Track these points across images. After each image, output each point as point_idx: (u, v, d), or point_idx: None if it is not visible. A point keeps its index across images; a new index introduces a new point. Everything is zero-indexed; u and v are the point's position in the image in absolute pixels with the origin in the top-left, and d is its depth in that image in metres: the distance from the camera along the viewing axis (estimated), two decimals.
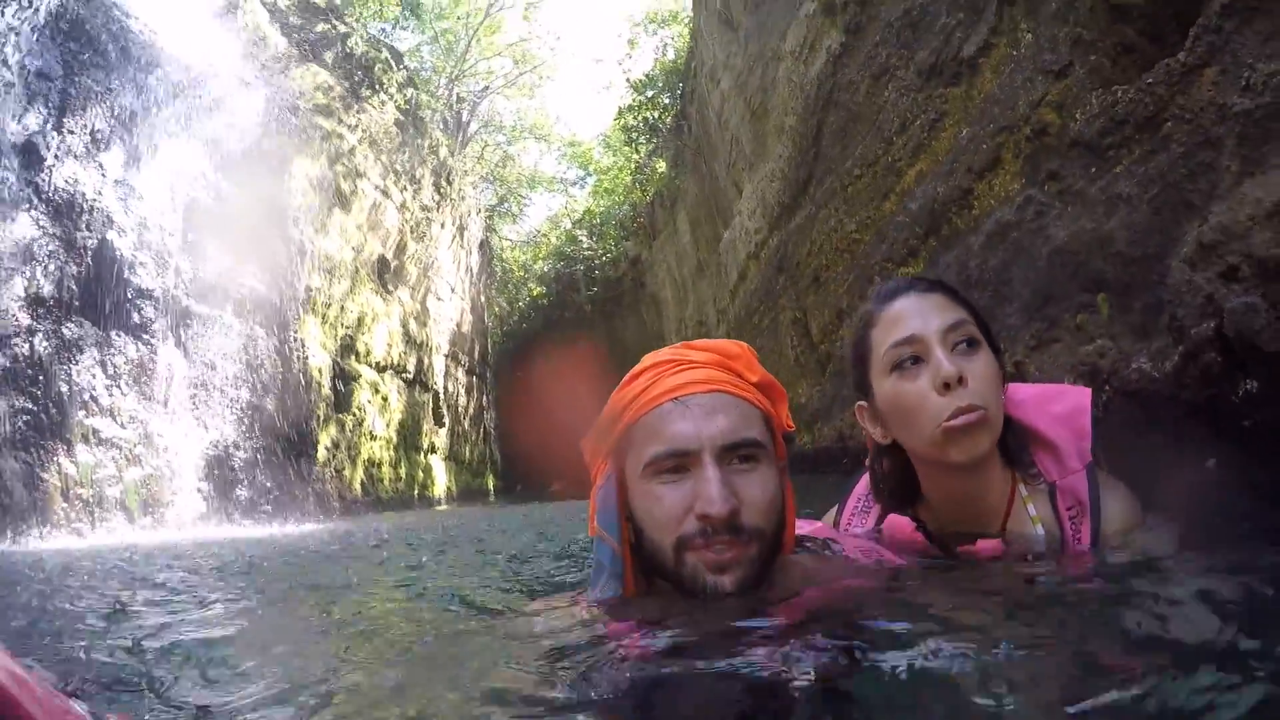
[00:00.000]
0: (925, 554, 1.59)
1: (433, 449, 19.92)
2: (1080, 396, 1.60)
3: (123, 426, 7.95)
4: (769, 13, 10.72)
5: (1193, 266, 3.44)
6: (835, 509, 1.97)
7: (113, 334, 8.27)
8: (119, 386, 8.12)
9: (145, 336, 8.67)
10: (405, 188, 17.93)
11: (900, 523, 1.64)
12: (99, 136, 8.78)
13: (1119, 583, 1.34)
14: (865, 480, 1.88)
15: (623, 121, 22.10)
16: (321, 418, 13.06)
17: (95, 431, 7.63)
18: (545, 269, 34.10)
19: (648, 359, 1.29)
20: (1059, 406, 1.59)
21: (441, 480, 20.38)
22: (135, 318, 8.63)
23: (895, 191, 7.03)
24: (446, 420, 20.99)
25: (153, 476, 8.14)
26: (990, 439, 1.50)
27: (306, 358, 12.58)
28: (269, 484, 10.18)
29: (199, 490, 8.94)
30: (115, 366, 8.18)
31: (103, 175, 8.72)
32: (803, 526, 1.58)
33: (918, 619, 1.16)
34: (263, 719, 1.04)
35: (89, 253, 8.24)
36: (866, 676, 0.99)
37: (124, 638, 1.76)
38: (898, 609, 1.24)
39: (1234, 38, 2.99)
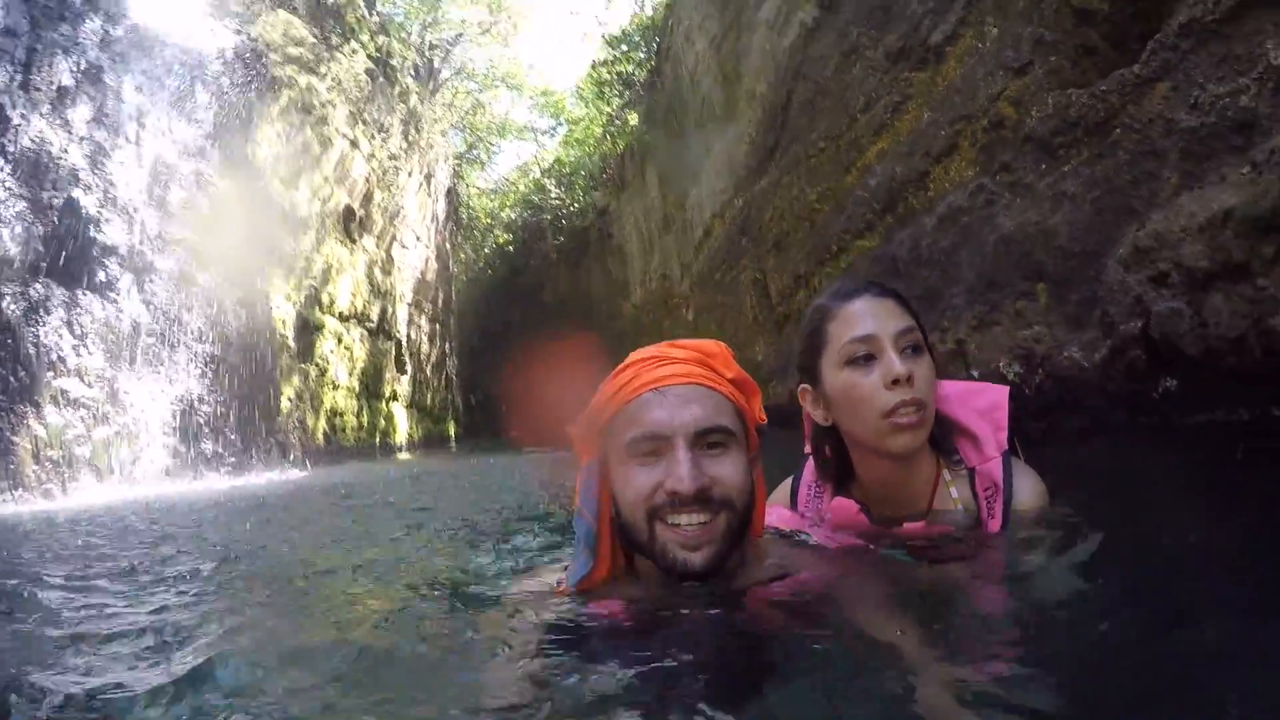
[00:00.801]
0: (866, 533, 1.69)
1: (395, 397, 19.48)
2: (999, 394, 1.69)
3: (90, 386, 7.67)
4: None
5: (1126, 268, 3.54)
6: (788, 484, 2.00)
7: (79, 293, 7.91)
8: (86, 346, 7.79)
9: (111, 294, 8.32)
10: (373, 136, 17.20)
11: (846, 505, 1.73)
12: (65, 93, 8.27)
13: (1016, 572, 1.46)
14: (811, 466, 1.92)
15: (596, 75, 21.57)
16: (285, 369, 12.72)
17: (64, 392, 7.35)
18: (512, 217, 33.10)
19: (632, 356, 1.34)
20: (980, 402, 1.69)
21: (403, 428, 19.95)
22: (101, 276, 8.26)
23: (856, 166, 7.03)
24: (409, 368, 20.56)
25: (120, 434, 7.92)
26: (926, 435, 1.60)
27: (270, 309, 12.20)
28: (233, 436, 9.97)
29: (165, 446, 8.72)
30: (82, 326, 7.83)
31: (69, 133, 8.24)
32: (767, 515, 1.62)
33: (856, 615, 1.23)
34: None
35: (55, 212, 7.85)
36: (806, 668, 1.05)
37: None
38: (844, 606, 1.30)
39: (1189, 57, 3.03)
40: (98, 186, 8.44)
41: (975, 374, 5.16)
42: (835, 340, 1.62)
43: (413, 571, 2.14)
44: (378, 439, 17.59)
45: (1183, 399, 3.00)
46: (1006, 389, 1.70)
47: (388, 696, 1.06)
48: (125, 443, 8.03)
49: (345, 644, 1.34)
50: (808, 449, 1.87)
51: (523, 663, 1.08)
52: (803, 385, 1.75)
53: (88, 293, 8.09)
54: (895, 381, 1.54)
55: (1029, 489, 1.63)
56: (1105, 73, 3.56)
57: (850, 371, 1.60)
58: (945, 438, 1.66)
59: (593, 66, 21.98)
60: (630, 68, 20.64)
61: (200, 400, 9.60)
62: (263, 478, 9.15)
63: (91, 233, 8.25)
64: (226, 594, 1.93)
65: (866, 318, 1.59)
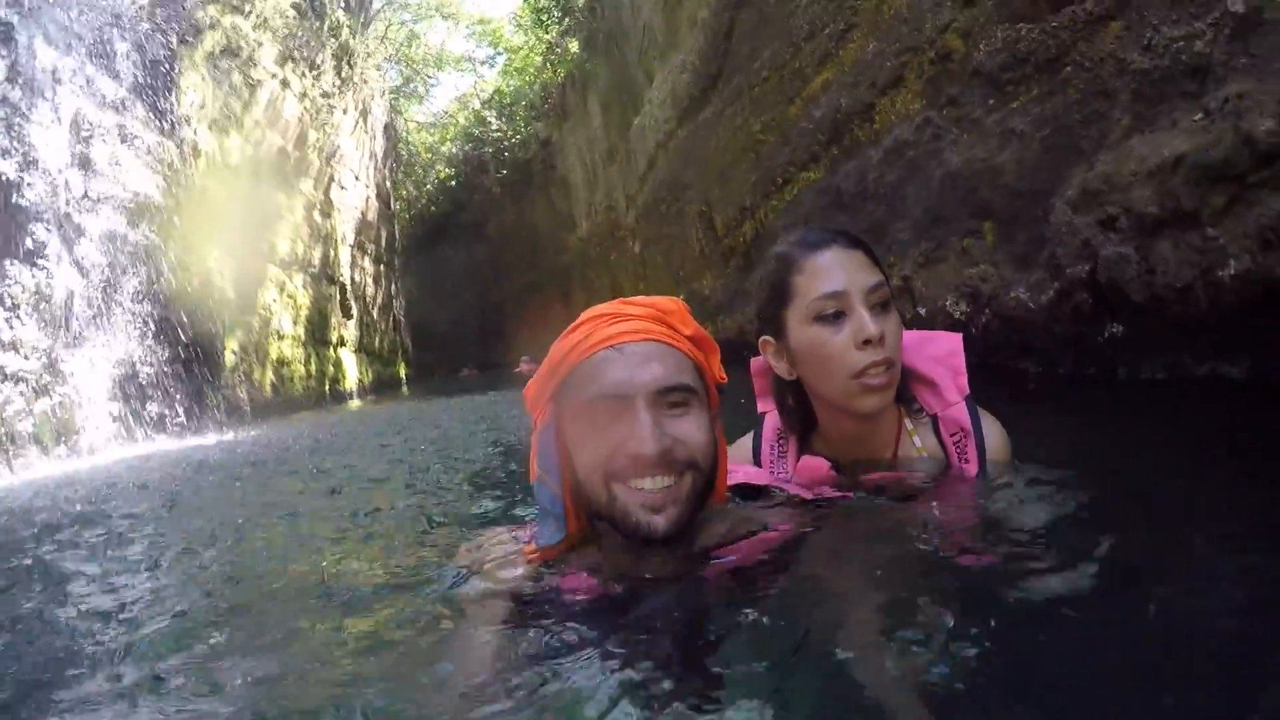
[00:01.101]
0: (837, 486, 1.63)
1: (342, 342, 18.74)
2: (953, 340, 1.66)
3: (26, 359, 7.17)
4: None
5: (1075, 210, 3.48)
6: (748, 442, 1.93)
7: (6, 263, 7.30)
8: (18, 317, 7.25)
9: (40, 261, 7.71)
10: (304, 75, 16.01)
11: (816, 464, 1.67)
12: None
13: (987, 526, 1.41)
14: (771, 424, 1.85)
15: (533, 2, 20.35)
16: (227, 323, 12.12)
17: (1, 368, 6.87)
18: (453, 151, 31.72)
19: (586, 313, 1.26)
20: (936, 349, 1.65)
21: (352, 373, 19.30)
22: (28, 243, 7.64)
23: (801, 97, 6.81)
24: (355, 312, 19.77)
25: (62, 404, 7.48)
26: (893, 392, 1.56)
27: (207, 262, 11.52)
28: (178, 396, 9.51)
29: (109, 413, 8.27)
30: (13, 297, 7.26)
31: None
32: (735, 473, 1.53)
33: (827, 575, 1.20)
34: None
35: None
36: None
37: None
38: (815, 563, 1.25)
39: None
40: (16, 150, 7.74)
41: (922, 311, 5.14)
42: (803, 294, 1.54)
43: (370, 551, 2.03)
44: (327, 386, 17.11)
45: (1128, 345, 3.00)
46: (960, 335, 1.67)
47: (356, 688, 0.98)
48: (69, 412, 7.62)
49: (310, 631, 1.27)
50: (761, 408, 1.81)
51: (492, 646, 1.03)
52: (765, 337, 1.67)
53: (15, 262, 7.51)
54: (867, 342, 1.49)
55: (996, 434, 1.61)
56: (1057, 8, 3.41)
57: (819, 328, 1.53)
58: (905, 387, 1.63)
59: None
60: None
61: (141, 362, 9.12)
62: (212, 438, 8.81)
63: (14, 199, 7.60)
64: (176, 580, 1.81)
65: (836, 271, 1.51)
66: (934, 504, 1.49)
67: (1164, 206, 2.67)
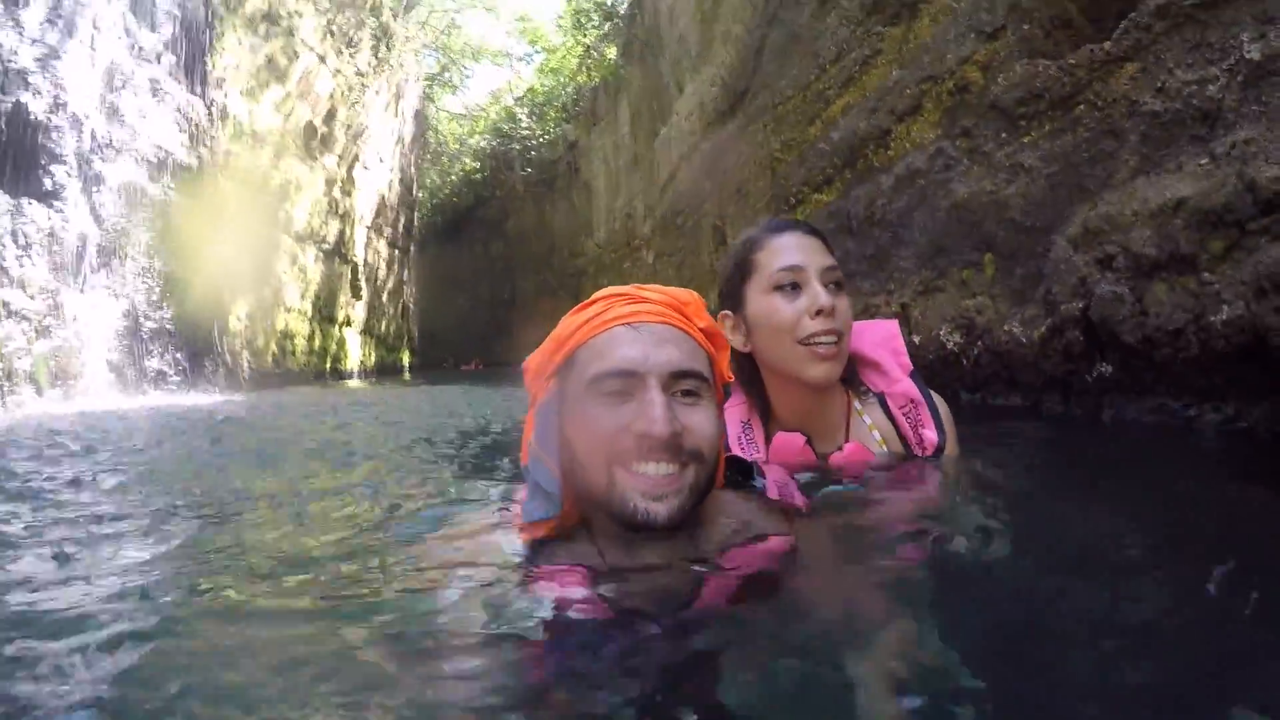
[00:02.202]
0: (810, 467, 1.67)
1: (348, 322, 18.51)
2: (891, 325, 1.78)
3: (31, 298, 7.16)
4: None
5: (1074, 247, 3.41)
6: None
7: (24, 201, 7.32)
8: (29, 256, 7.24)
9: (56, 204, 7.71)
10: (341, 51, 15.99)
11: (791, 440, 1.69)
12: None
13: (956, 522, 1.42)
14: (735, 416, 1.83)
15: (575, 4, 20.36)
16: (235, 288, 12.09)
17: (5, 304, 6.85)
18: (481, 145, 31.43)
19: (601, 292, 1.20)
20: (875, 334, 1.76)
21: (355, 354, 19.12)
22: (47, 184, 7.64)
23: (821, 118, 6.76)
24: (364, 293, 19.63)
25: (61, 348, 7.46)
26: (842, 366, 1.65)
27: (222, 226, 11.50)
28: (179, 355, 9.49)
29: (108, 362, 8.25)
30: (26, 236, 7.26)
31: (20, 35, 7.51)
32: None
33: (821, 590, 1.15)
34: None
35: (3, 117, 7.20)
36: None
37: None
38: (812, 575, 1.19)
39: (1161, 40, 2.84)
40: (48, 91, 7.77)
41: (916, 339, 5.06)
42: (763, 269, 1.65)
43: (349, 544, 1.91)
44: (328, 364, 17.03)
45: (1115, 386, 2.92)
46: (895, 321, 1.80)
47: (339, 684, 0.89)
48: (67, 356, 7.60)
49: (293, 614, 1.15)
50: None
51: (481, 648, 0.96)
52: (724, 311, 1.75)
53: (33, 201, 7.52)
54: (819, 312, 1.58)
55: (942, 403, 1.71)
56: (1078, 47, 3.35)
57: (776, 297, 1.63)
58: (851, 371, 1.72)
59: None
60: None
61: (146, 317, 9.10)
62: (208, 398, 8.78)
63: (40, 138, 7.62)
64: (151, 548, 1.67)
65: (795, 250, 1.63)
66: (910, 504, 1.51)
67: (1162, 249, 2.60)
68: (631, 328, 1.11)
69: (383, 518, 1.86)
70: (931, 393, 1.71)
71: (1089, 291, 3.06)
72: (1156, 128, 2.76)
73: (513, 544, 1.17)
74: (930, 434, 1.66)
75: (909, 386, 1.70)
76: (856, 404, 1.74)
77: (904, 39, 5.23)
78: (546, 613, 1.02)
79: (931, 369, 4.97)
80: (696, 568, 1.12)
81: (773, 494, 1.32)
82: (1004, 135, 4.04)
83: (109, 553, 1.56)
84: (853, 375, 1.73)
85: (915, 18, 5.02)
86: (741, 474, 1.34)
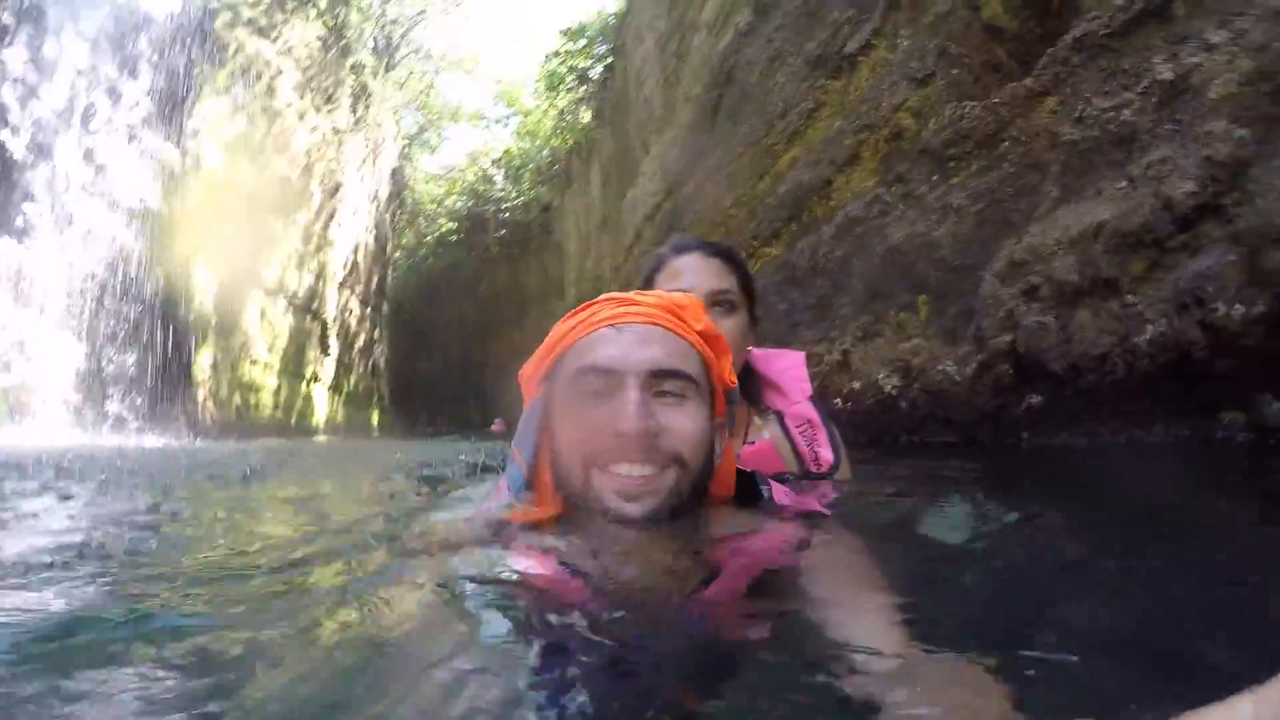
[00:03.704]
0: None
1: (316, 378, 18.02)
2: (797, 356, 1.80)
3: None
4: None
5: (1001, 281, 3.28)
6: None
7: None
8: None
9: (28, 241, 7.49)
10: (319, 108, 16.06)
11: (762, 448, 1.67)
12: (4, 30, 7.41)
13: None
14: None
15: (549, 67, 20.79)
16: (202, 337, 11.71)
17: None
18: (458, 205, 31.83)
19: (598, 297, 1.17)
20: (781, 362, 1.78)
21: (322, 410, 18.50)
22: (19, 221, 7.43)
23: (770, 173, 6.75)
24: (334, 350, 19.23)
25: (21, 386, 7.10)
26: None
27: (191, 275, 11.23)
28: (140, 400, 9.10)
29: (66, 401, 7.89)
30: None
31: (3, 72, 7.39)
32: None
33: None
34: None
35: None
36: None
37: None
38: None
39: (1079, 71, 2.78)
40: (26, 130, 7.58)
41: (856, 385, 4.90)
42: (660, 289, 1.65)
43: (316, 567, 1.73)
44: (294, 419, 16.46)
45: (1045, 416, 2.74)
46: (803, 354, 1.81)
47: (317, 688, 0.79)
48: (26, 394, 7.20)
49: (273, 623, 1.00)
50: None
51: (461, 648, 0.85)
52: None
53: (4, 237, 7.25)
54: None
55: (837, 432, 1.73)
56: (1002, 85, 3.30)
57: None
58: (755, 390, 1.73)
59: (547, 58, 21.21)
60: (586, 63, 19.99)
61: (109, 360, 8.73)
62: (163, 444, 8.34)
63: (15, 175, 7.40)
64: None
65: (689, 273, 1.64)
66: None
67: (1084, 274, 2.46)
68: (615, 329, 1.07)
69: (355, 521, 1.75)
70: (830, 420, 1.73)
71: (1016, 323, 2.91)
72: (1076, 156, 2.67)
73: (492, 536, 1.12)
74: (826, 453, 1.66)
75: (808, 409, 1.70)
76: (757, 419, 1.72)
77: (845, 91, 5.24)
78: (531, 609, 0.95)
79: (871, 414, 4.79)
80: (690, 559, 1.04)
81: (783, 500, 1.23)
82: (935, 177, 3.97)
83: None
84: (755, 393, 1.73)
85: (855, 70, 5.04)
86: (747, 490, 1.23)
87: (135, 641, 0.85)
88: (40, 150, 7.88)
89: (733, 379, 1.16)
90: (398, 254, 29.22)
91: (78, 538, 1.67)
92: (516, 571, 1.02)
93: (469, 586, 0.97)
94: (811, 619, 0.90)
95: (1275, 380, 1.88)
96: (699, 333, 1.12)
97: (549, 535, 1.08)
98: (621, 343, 1.05)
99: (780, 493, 1.23)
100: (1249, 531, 1.41)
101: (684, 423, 1.02)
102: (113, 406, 8.80)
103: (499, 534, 1.11)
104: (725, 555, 1.06)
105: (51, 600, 1.09)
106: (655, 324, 1.08)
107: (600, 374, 1.03)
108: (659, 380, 1.03)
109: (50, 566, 1.36)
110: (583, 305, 1.15)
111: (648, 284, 1.71)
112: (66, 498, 2.40)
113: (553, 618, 0.91)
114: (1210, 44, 2.20)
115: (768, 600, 1.00)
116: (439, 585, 0.98)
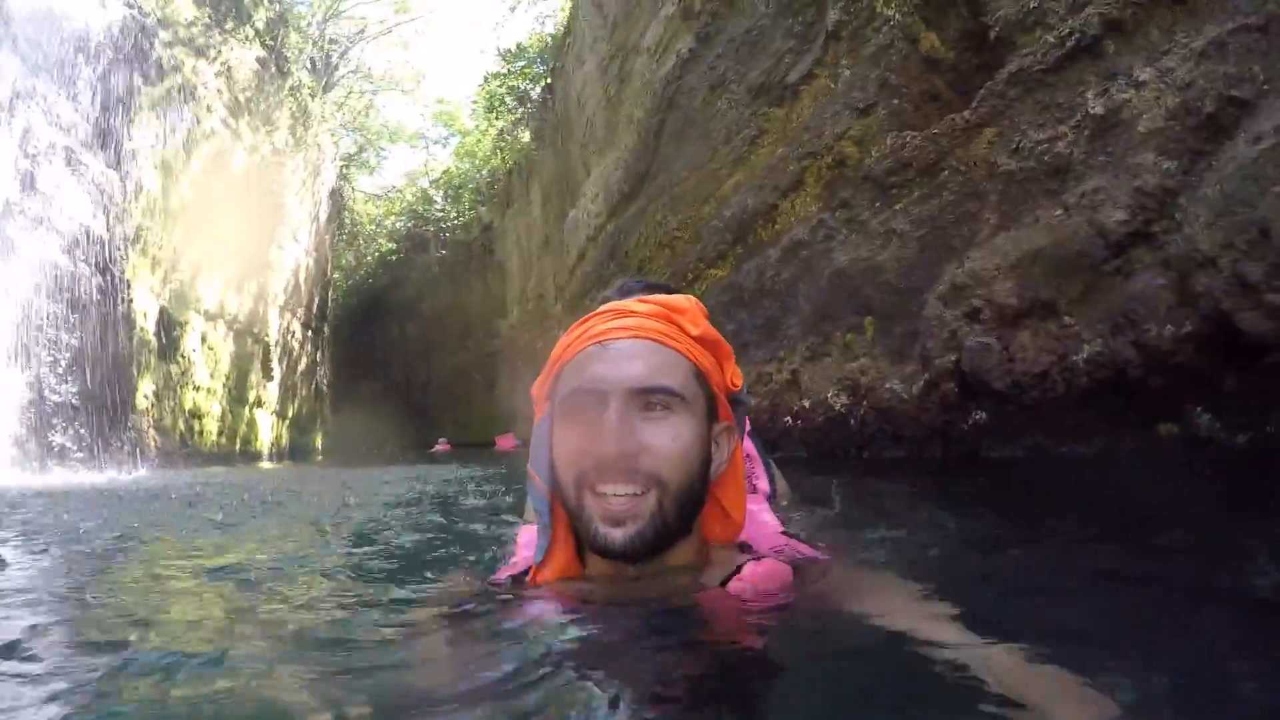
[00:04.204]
0: None
1: (259, 403, 17.38)
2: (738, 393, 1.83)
3: None
4: (636, 4, 10.27)
5: (944, 303, 3.42)
6: None
7: None
8: None
9: None
10: (258, 129, 15.57)
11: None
12: None
13: None
14: None
15: (488, 89, 20.72)
16: (144, 364, 11.16)
17: None
18: (397, 226, 31.05)
19: (599, 309, 1.14)
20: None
21: (266, 435, 17.78)
22: None
23: (714, 197, 6.87)
24: (276, 374, 18.59)
25: None
26: None
27: (132, 300, 10.64)
28: (84, 430, 8.58)
29: (11, 435, 7.39)
30: None
31: None
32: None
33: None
34: None
35: None
36: None
37: None
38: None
39: (1015, 104, 2.93)
40: None
41: (806, 404, 5.00)
42: None
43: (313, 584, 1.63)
44: (238, 445, 15.83)
45: (990, 432, 2.85)
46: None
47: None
48: None
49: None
50: None
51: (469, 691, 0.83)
52: None
53: None
54: None
55: (774, 466, 1.81)
56: (944, 118, 3.46)
57: None
58: None
59: (485, 79, 21.10)
60: (525, 84, 19.98)
61: (52, 390, 8.23)
62: (108, 476, 7.87)
63: None
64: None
65: None
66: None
67: (1023, 297, 2.58)
68: (602, 345, 1.06)
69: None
70: (765, 451, 1.80)
71: (959, 344, 3.03)
72: (1014, 185, 2.80)
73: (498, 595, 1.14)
74: (763, 485, 1.69)
75: (747, 444, 1.68)
76: None
77: (787, 119, 5.39)
78: (531, 652, 0.91)
79: (821, 431, 4.90)
80: (688, 602, 1.02)
81: (773, 546, 1.23)
82: (878, 204, 4.11)
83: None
84: None
85: (797, 99, 5.19)
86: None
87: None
88: None
89: (737, 382, 1.15)
90: (337, 275, 28.47)
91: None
92: (523, 620, 1.03)
93: (483, 634, 0.99)
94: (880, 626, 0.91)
95: (1205, 394, 2.01)
96: (696, 338, 1.10)
97: (561, 583, 1.10)
98: (606, 360, 1.05)
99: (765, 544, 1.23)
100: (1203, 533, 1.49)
101: (664, 440, 1.01)
102: (56, 438, 8.35)
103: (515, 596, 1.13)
104: (716, 601, 1.04)
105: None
106: (643, 337, 1.07)
107: (587, 393, 1.03)
108: (641, 396, 1.02)
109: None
110: (583, 318, 1.16)
111: None
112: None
113: (553, 662, 0.90)
114: (1139, 80, 2.36)
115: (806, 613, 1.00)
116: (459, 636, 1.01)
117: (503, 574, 1.23)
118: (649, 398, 1.02)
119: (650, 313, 1.10)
